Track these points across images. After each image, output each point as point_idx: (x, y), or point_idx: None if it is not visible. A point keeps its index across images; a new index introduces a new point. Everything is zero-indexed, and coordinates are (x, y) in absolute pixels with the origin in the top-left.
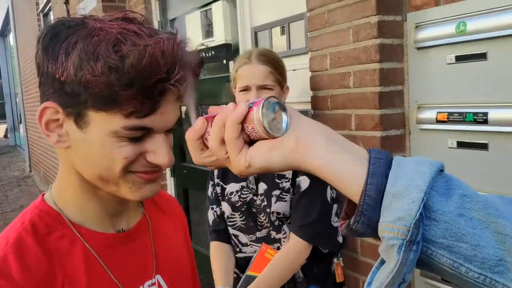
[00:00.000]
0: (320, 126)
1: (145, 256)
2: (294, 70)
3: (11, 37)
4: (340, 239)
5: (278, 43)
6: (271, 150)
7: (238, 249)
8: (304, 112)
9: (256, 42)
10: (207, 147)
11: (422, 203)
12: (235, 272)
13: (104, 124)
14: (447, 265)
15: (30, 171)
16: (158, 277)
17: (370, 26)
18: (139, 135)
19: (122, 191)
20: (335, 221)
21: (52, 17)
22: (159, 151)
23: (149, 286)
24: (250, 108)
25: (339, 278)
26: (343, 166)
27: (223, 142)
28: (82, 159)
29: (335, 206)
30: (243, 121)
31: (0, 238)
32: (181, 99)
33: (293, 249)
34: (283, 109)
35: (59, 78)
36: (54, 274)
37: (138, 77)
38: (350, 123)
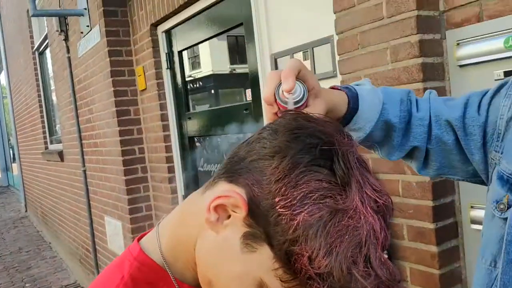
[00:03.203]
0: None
1: None
2: None
3: (2, 77)
4: None
5: None
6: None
7: None
8: None
9: (276, 69)
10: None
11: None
12: None
13: (263, 272)
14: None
15: (26, 211)
16: None
17: (410, 45)
18: None
19: None
20: None
21: (48, 56)
22: None
23: None
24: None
25: None
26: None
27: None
28: (207, 257)
29: None
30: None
31: None
32: None
33: None
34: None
35: (273, 215)
36: None
37: None
38: None
